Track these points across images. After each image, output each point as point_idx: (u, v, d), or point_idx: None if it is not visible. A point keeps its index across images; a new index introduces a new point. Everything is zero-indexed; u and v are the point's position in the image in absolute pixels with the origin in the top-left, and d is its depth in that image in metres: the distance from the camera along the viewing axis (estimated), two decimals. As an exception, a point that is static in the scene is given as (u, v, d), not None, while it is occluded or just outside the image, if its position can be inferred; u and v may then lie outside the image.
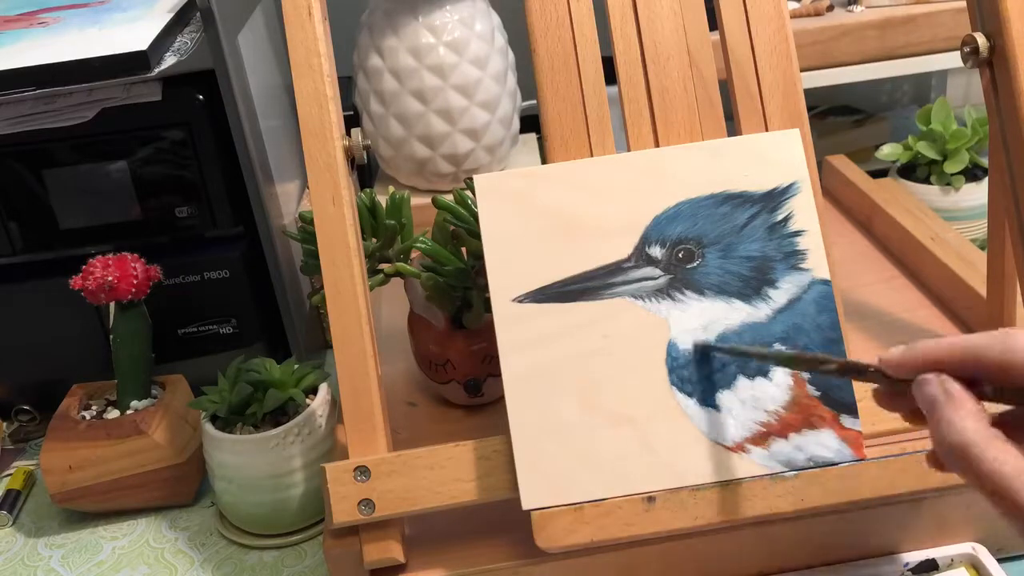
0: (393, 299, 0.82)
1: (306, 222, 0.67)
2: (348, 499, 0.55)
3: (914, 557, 0.59)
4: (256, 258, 0.80)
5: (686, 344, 0.55)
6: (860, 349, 0.71)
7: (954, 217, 0.90)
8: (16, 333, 0.80)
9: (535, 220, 0.57)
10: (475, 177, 0.58)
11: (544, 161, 0.60)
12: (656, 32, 0.59)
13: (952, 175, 0.92)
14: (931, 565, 0.59)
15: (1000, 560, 0.59)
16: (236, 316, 0.81)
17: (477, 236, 0.63)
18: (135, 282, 0.71)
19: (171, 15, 0.77)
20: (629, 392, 0.55)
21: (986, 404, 0.41)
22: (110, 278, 0.70)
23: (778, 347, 0.55)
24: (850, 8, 1.00)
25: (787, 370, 0.54)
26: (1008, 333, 0.41)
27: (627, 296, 0.56)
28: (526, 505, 0.54)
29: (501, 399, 0.57)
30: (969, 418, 0.39)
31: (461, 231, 0.67)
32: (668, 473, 0.54)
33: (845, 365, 0.46)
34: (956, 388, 0.40)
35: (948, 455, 0.40)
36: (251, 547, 0.69)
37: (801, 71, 0.59)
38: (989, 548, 0.59)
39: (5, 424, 0.82)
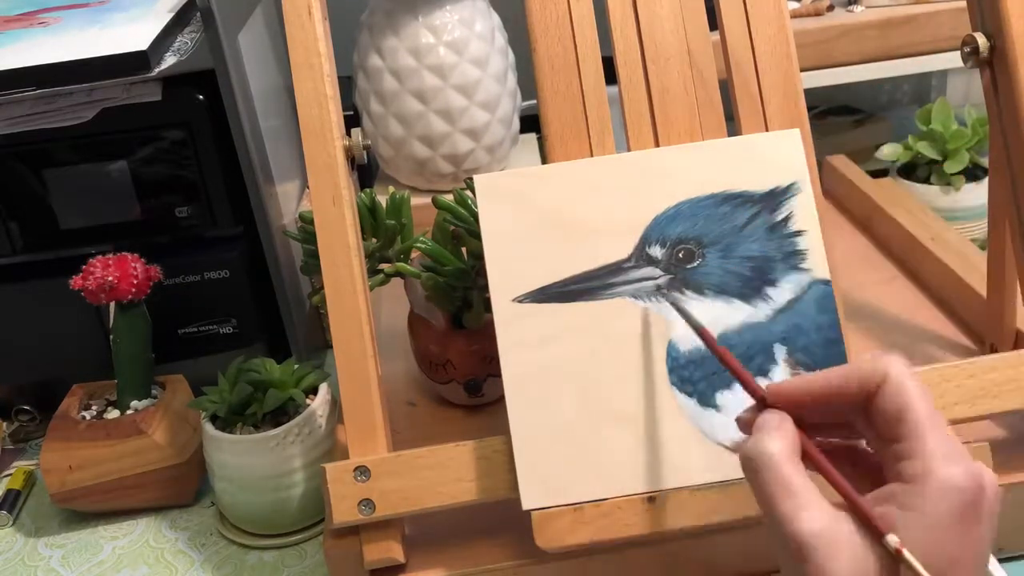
0: (393, 299, 0.81)
1: (306, 222, 0.67)
2: (348, 499, 0.55)
3: (914, 557, 0.59)
4: (256, 258, 0.80)
5: (686, 344, 0.55)
6: (860, 349, 0.71)
7: (954, 217, 0.90)
8: (16, 333, 0.80)
9: (535, 220, 0.57)
10: (475, 177, 0.58)
11: (544, 161, 0.60)
12: (656, 32, 0.59)
13: (952, 175, 0.92)
14: (931, 565, 0.59)
15: (1000, 560, 0.58)
16: (236, 316, 0.81)
17: (477, 236, 0.63)
18: (135, 282, 0.71)
19: (171, 15, 0.77)
20: (629, 392, 0.55)
21: None
22: (110, 278, 0.70)
23: (778, 347, 0.55)
24: (850, 8, 1.00)
25: (787, 369, 0.54)
26: (873, 361, 0.42)
27: (627, 296, 0.56)
28: (526, 505, 0.54)
29: (501, 399, 0.57)
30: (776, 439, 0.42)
31: (461, 231, 0.67)
32: (668, 473, 0.54)
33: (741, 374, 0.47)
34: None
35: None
36: (251, 547, 0.69)
37: (801, 71, 0.59)
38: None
39: (5, 424, 0.82)
